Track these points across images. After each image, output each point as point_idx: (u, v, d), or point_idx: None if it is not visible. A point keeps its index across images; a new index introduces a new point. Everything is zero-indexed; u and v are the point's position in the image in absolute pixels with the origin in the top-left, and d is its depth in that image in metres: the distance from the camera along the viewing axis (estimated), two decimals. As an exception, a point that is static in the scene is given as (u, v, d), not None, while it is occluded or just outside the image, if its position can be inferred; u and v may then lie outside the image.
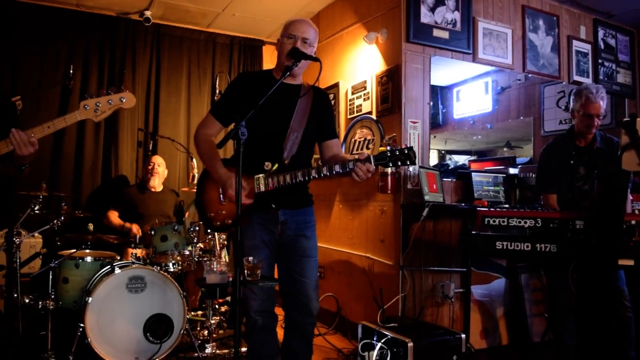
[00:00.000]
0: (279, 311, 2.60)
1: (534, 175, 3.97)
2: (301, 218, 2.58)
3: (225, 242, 4.09)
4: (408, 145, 2.39)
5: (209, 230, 3.86)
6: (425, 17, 3.89)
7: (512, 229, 2.98)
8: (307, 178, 2.38)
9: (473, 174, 4.01)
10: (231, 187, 2.36)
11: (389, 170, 3.63)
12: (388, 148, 2.36)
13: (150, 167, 4.65)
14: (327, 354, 3.85)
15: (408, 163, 2.31)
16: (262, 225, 2.50)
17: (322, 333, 4.22)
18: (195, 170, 4.61)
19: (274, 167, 2.43)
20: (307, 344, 2.63)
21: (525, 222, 2.93)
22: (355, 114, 4.37)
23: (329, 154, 2.69)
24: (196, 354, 3.45)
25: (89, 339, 3.10)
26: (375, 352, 3.07)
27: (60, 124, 2.21)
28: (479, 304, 3.89)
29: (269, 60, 5.91)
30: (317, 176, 2.38)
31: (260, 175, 2.42)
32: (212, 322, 3.72)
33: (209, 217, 2.57)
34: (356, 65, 4.45)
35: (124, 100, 2.31)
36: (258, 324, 2.49)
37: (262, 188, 2.41)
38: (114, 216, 4.51)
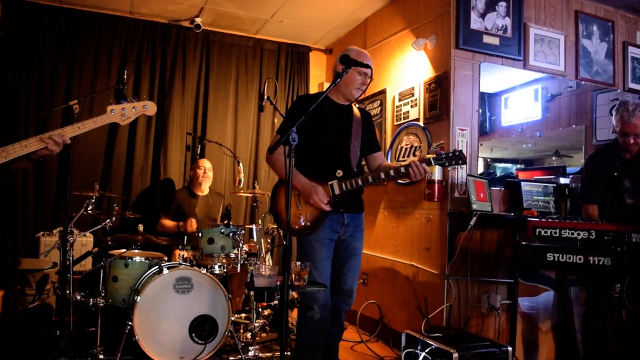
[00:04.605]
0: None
1: (584, 186, 3.86)
2: (358, 221, 2.93)
3: (270, 246, 4.12)
4: (457, 149, 2.60)
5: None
6: (476, 23, 3.84)
7: (563, 240, 2.93)
8: (376, 180, 2.71)
9: (522, 183, 3.92)
10: (316, 193, 2.68)
11: (436, 178, 3.60)
12: (442, 152, 2.67)
13: (202, 171, 4.74)
14: (369, 362, 3.83)
15: (461, 162, 2.65)
16: (330, 228, 2.80)
17: (364, 340, 4.20)
18: (242, 175, 4.66)
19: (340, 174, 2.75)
20: (341, 329, 3.02)
21: (578, 234, 2.85)
22: (402, 121, 4.34)
23: (376, 164, 3.07)
24: (239, 356, 3.49)
25: (136, 337, 3.17)
26: (419, 362, 3.05)
27: (90, 125, 2.37)
28: (525, 317, 3.79)
29: (316, 65, 5.96)
30: (385, 177, 2.70)
31: (334, 181, 2.73)
32: (256, 325, 3.75)
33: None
34: (404, 71, 4.42)
35: (147, 108, 2.49)
36: (316, 317, 2.75)
37: (337, 191, 2.71)
38: (168, 222, 4.61)
